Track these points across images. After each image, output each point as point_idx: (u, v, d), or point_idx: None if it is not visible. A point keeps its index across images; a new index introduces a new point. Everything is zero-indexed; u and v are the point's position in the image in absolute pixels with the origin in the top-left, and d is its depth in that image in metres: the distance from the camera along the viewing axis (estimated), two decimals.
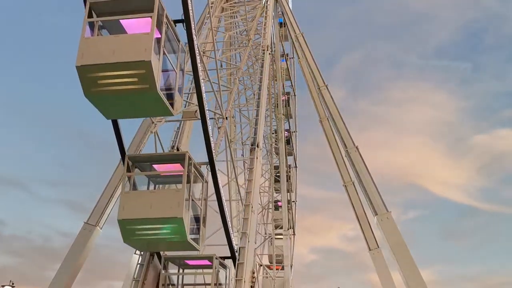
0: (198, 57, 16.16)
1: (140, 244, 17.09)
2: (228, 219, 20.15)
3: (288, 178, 50.26)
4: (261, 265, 46.41)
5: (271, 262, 48.89)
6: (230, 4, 35.34)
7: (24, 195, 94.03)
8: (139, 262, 20.82)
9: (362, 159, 29.03)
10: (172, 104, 14.04)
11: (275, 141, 48.34)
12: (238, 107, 35.98)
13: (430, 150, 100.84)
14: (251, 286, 22.24)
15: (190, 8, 15.07)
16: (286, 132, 51.05)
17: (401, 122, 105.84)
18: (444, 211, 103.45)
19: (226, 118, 22.67)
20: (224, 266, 20.84)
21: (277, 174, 49.17)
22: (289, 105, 51.29)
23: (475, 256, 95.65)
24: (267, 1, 35.53)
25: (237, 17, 37.18)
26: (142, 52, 12.44)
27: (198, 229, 17.19)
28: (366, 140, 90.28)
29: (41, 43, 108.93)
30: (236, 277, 20.29)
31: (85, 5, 13.68)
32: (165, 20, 13.77)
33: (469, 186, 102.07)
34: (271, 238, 48.78)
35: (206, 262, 20.13)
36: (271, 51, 37.30)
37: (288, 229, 49.57)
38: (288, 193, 50.16)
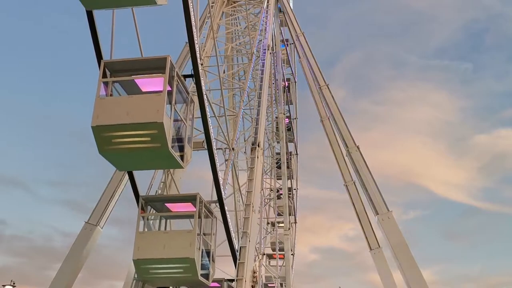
0: (207, 104, 17.14)
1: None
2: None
3: (289, 165, 49.72)
4: (263, 254, 46.22)
5: (273, 250, 48.79)
6: (232, 6, 35.23)
7: (25, 195, 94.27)
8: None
9: (363, 159, 29.01)
10: (182, 157, 14.71)
11: (276, 127, 47.65)
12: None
13: (431, 150, 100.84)
14: (252, 286, 22.21)
15: (199, 62, 15.94)
16: (287, 119, 50.09)
17: (402, 122, 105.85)
18: (445, 211, 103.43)
19: (233, 149, 23.24)
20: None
21: (278, 162, 48.65)
22: (289, 91, 50.58)
23: (476, 256, 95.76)
24: (268, 1, 35.47)
25: (238, 22, 37.00)
26: (155, 113, 12.95)
27: (208, 264, 17.87)
28: (367, 140, 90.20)
29: (43, 42, 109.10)
30: (237, 276, 20.27)
31: (99, 65, 14.22)
32: (175, 77, 14.38)
33: (470, 186, 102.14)
34: (273, 228, 48.71)
35: (216, 284, 20.68)
36: (272, 50, 37.21)
37: (289, 227, 49.26)
38: (289, 180, 49.67)
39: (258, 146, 25.44)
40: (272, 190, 49.06)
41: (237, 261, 20.69)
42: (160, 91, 13.36)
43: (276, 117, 46.08)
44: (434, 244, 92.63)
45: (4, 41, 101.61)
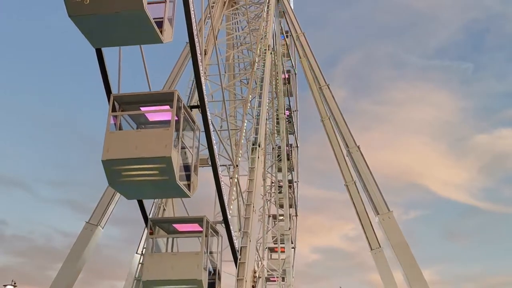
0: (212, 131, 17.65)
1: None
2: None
3: (289, 157, 49.55)
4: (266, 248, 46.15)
5: (275, 243, 48.74)
6: (233, 9, 35.19)
7: (26, 195, 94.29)
8: (141, 261, 20.88)
9: (364, 159, 29.04)
10: (189, 185, 15.13)
11: (277, 120, 47.00)
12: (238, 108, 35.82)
13: (431, 150, 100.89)
14: (253, 286, 22.24)
15: (204, 93, 16.61)
16: (287, 111, 49.78)
17: (402, 122, 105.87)
18: (445, 211, 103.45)
19: (237, 165, 23.53)
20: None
21: (279, 154, 48.30)
22: (289, 83, 49.85)
23: (476, 256, 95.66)
24: (268, 1, 35.46)
25: (239, 27, 36.91)
26: (163, 148, 13.42)
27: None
28: (368, 140, 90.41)
29: (43, 41, 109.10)
30: (238, 276, 20.29)
31: (108, 100, 14.65)
32: (182, 109, 14.87)
33: (470, 186, 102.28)
34: (274, 221, 48.75)
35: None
36: (273, 50, 37.16)
37: (289, 224, 49.00)
38: (290, 173, 49.51)
39: (259, 146, 25.46)
40: (273, 183, 48.76)
41: (238, 260, 20.71)
42: (168, 125, 13.97)
43: (277, 111, 45.68)
44: (435, 244, 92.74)
45: (4, 40, 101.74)
